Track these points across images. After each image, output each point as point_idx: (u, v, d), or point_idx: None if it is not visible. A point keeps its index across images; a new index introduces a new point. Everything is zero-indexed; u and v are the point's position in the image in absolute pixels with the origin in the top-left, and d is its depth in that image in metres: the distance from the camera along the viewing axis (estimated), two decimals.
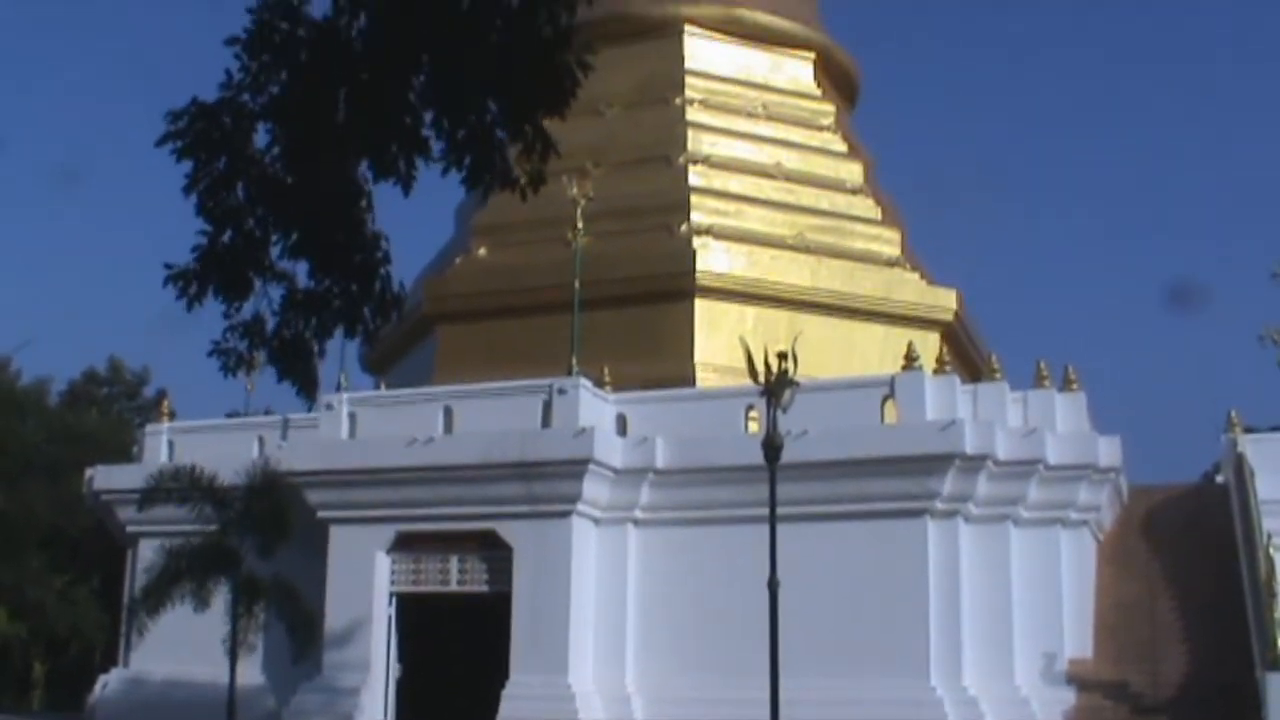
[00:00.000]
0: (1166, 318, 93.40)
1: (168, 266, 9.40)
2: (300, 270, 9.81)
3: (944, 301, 39.45)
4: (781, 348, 24.25)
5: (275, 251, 9.64)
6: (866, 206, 41.06)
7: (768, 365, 23.68)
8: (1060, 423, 30.92)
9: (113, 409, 62.06)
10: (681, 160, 39.91)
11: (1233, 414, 34.01)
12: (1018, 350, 72.84)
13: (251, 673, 30.54)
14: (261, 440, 34.43)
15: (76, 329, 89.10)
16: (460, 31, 8.90)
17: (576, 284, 33.32)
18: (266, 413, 37.73)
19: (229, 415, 39.54)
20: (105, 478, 36.39)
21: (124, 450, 42.47)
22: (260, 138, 9.47)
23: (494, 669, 29.88)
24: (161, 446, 36.19)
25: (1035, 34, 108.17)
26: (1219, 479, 35.64)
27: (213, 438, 35.28)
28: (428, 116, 9.38)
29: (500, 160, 9.58)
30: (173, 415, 37.27)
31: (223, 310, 9.69)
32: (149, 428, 37.83)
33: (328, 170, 9.47)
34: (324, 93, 9.19)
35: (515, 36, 8.97)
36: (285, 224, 9.53)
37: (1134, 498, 34.24)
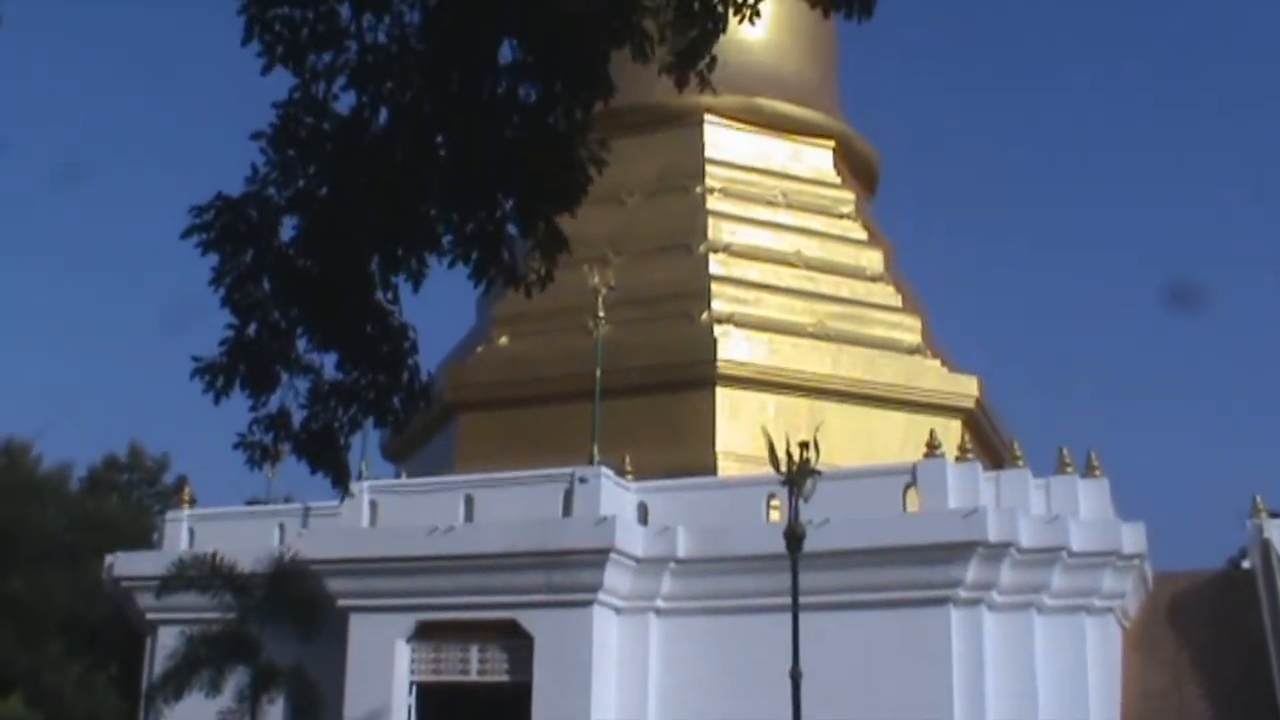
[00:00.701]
0: (1190, 402, 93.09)
1: (195, 359, 9.45)
2: (327, 362, 9.85)
3: (965, 388, 39.40)
4: (803, 436, 24.27)
5: (301, 344, 9.69)
6: (887, 294, 41.14)
7: (789, 454, 23.66)
8: (1083, 509, 30.79)
9: (133, 495, 62.05)
10: (702, 248, 40.07)
11: (1258, 499, 33.86)
12: (1040, 436, 72.59)
13: None
14: (282, 528, 34.45)
15: (98, 414, 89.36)
16: (477, 126, 8.99)
17: (598, 372, 33.38)
18: (287, 500, 37.76)
19: (250, 502, 39.56)
20: (125, 564, 36.41)
21: (144, 537, 42.46)
22: (286, 231, 9.55)
23: None
24: (182, 533, 36.20)
25: (1055, 117, 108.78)
26: (1245, 565, 35.37)
27: (233, 525, 35.31)
28: (443, 209, 9.46)
29: (508, 256, 9.63)
30: (193, 502, 37.33)
31: (248, 403, 9.71)
32: (169, 514, 37.87)
33: (353, 263, 9.53)
34: (348, 186, 9.27)
35: (530, 131, 9.04)
36: (311, 317, 9.57)
37: (1159, 584, 34.02)
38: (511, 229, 9.54)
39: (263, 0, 9.13)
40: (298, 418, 9.81)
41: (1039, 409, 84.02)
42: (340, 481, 9.95)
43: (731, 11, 10.29)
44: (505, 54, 9.31)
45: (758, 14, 10.33)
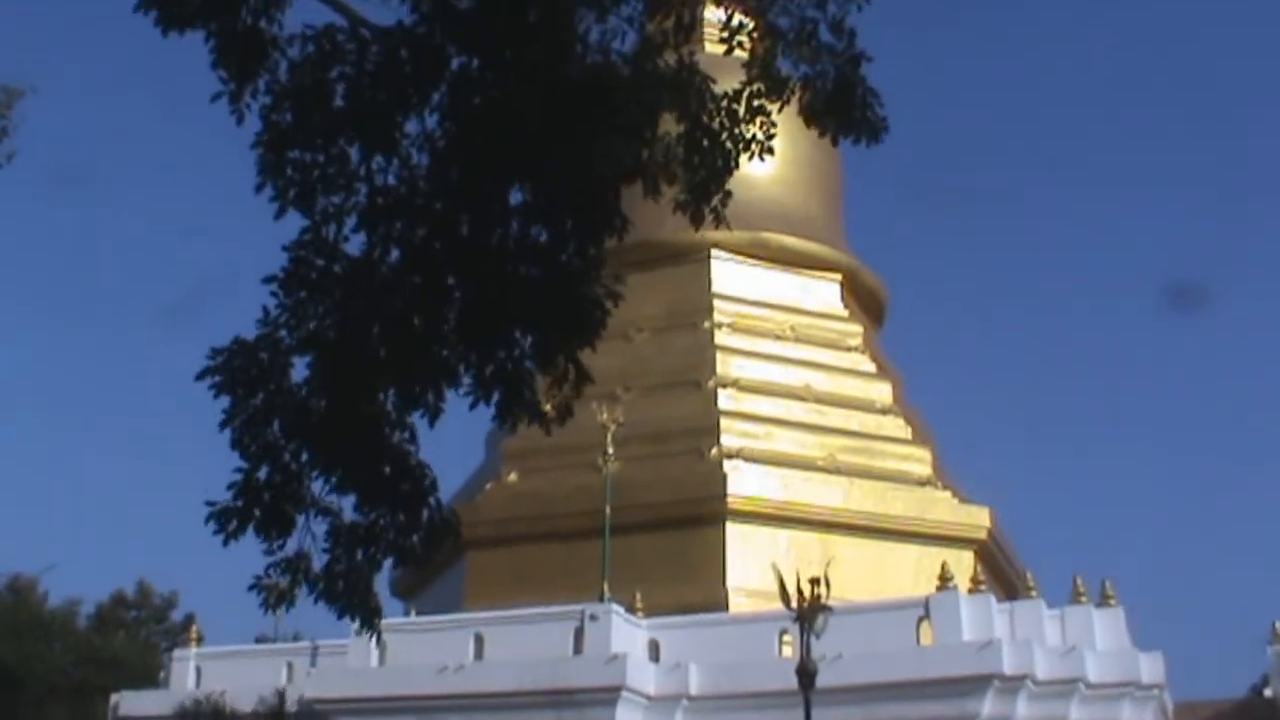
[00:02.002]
0: (1208, 528, 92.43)
1: (209, 504, 9.41)
2: (345, 502, 9.82)
3: (977, 519, 39.25)
4: (815, 570, 24.21)
5: (318, 485, 9.66)
6: (897, 426, 41.15)
7: (800, 590, 23.52)
8: (1100, 639, 30.53)
9: (141, 632, 61.63)
10: (711, 384, 40.17)
11: (1277, 625, 33.53)
12: (1053, 566, 72.09)
13: None
14: (290, 666, 34.17)
15: (107, 550, 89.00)
16: (490, 266, 9.05)
17: (607, 509, 33.32)
18: (295, 638, 37.51)
19: (258, 639, 39.26)
20: (131, 703, 36.11)
21: (151, 675, 42.13)
22: (298, 371, 9.57)
23: None
24: (189, 672, 35.91)
25: (1057, 235, 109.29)
26: (1267, 692, 35.00)
27: (240, 663, 35.04)
28: (457, 348, 9.49)
29: (529, 394, 9.64)
30: (201, 639, 37.12)
31: (263, 547, 9.66)
32: (176, 653, 37.63)
33: (367, 403, 9.54)
34: (360, 327, 9.31)
35: (544, 271, 9.10)
36: (325, 459, 9.57)
37: (1179, 714, 33.61)
38: (529, 365, 9.57)
39: (276, 143, 9.25)
40: (317, 560, 9.76)
41: (1052, 537, 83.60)
42: (369, 623, 9.89)
43: (742, 148, 10.40)
44: (515, 193, 9.42)
45: (770, 150, 10.44)
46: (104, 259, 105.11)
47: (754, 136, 10.41)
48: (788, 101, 10.29)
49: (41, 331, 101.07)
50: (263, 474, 9.46)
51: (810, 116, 10.22)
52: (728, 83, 10.31)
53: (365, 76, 8.87)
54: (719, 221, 10.66)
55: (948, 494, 39.95)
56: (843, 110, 10.17)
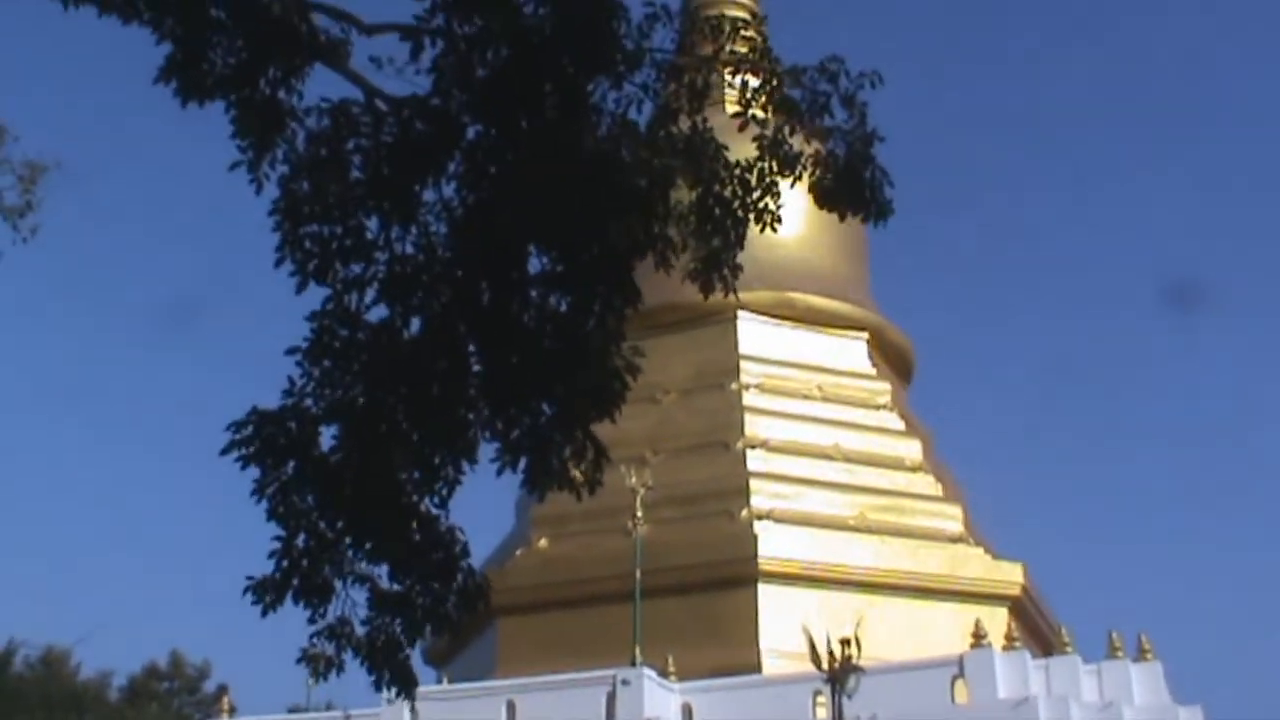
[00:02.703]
0: (1246, 580, 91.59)
1: (249, 579, 9.44)
2: (381, 569, 9.83)
3: (1010, 575, 39.04)
4: (848, 630, 24.03)
5: (352, 553, 9.69)
6: (927, 484, 41.05)
7: (830, 651, 23.42)
8: (1138, 694, 30.29)
9: (173, 704, 61.56)
10: (740, 445, 40.14)
11: None
12: (1089, 620, 71.60)
13: None
14: None
15: (139, 620, 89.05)
16: (510, 336, 9.09)
17: (638, 573, 33.25)
18: (328, 707, 37.39)
19: (291, 709, 39.14)
20: None
21: None
22: (325, 440, 9.60)
23: None
24: None
25: (1082, 288, 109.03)
26: None
27: None
28: (481, 415, 9.51)
29: (557, 461, 9.64)
30: (233, 711, 37.10)
31: (306, 615, 9.68)
32: None
33: (393, 472, 9.57)
34: (383, 397, 9.35)
35: (564, 341, 9.13)
36: (358, 528, 9.59)
37: None
38: (555, 435, 9.57)
39: (295, 217, 9.33)
40: (361, 630, 9.78)
41: (1087, 591, 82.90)
42: (407, 691, 9.89)
43: (753, 219, 10.45)
44: (535, 262, 9.46)
45: (779, 220, 10.48)
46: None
47: (765, 207, 10.47)
48: (799, 178, 10.36)
49: (82, 411, 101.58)
50: (300, 542, 9.50)
51: (819, 195, 10.31)
52: (741, 149, 10.37)
53: (382, 147, 8.97)
54: (728, 290, 10.69)
55: (980, 550, 39.77)
56: (852, 191, 10.25)
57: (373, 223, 9.22)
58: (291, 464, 9.45)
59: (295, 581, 9.27)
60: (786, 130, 10.39)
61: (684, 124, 10.22)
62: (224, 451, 9.39)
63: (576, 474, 9.77)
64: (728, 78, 10.73)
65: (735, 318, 43.38)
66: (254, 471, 9.43)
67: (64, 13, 9.77)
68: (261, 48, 9.61)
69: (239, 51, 9.65)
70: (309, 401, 9.43)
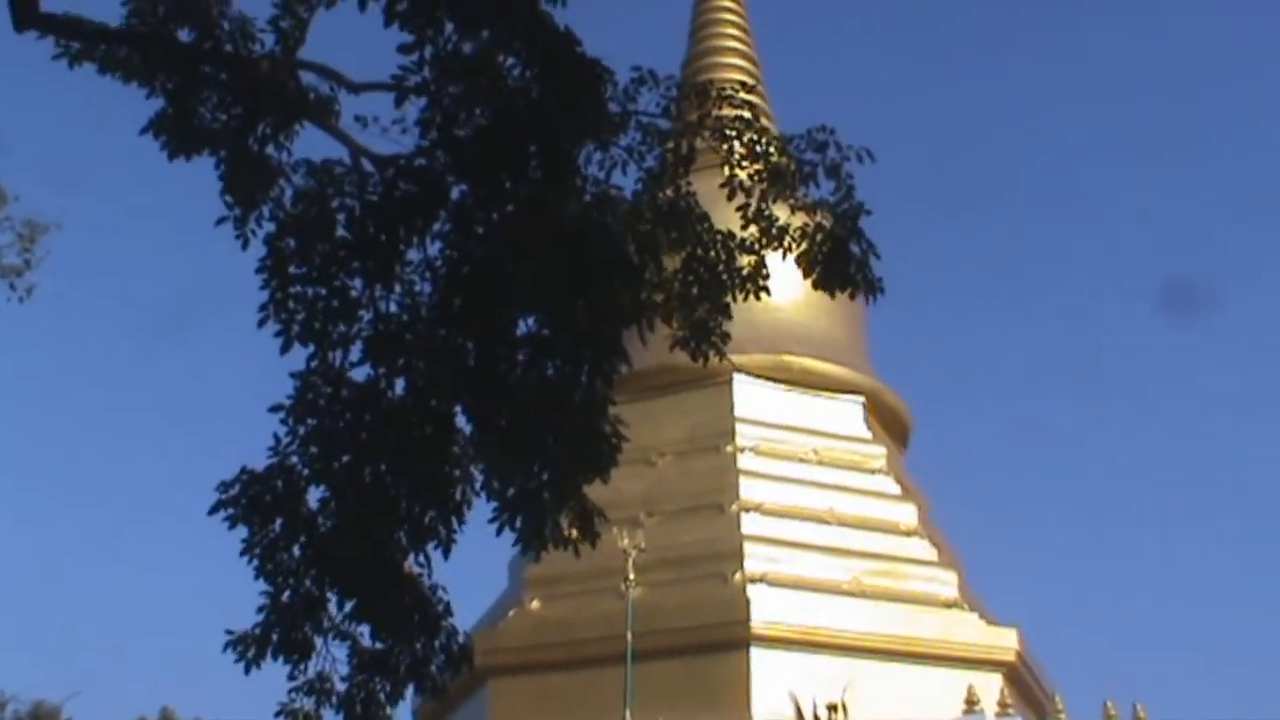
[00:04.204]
0: (1244, 649, 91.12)
1: (229, 633, 9.42)
2: (363, 628, 9.81)
3: (1005, 641, 38.84)
4: (842, 695, 23.89)
5: (336, 609, 9.66)
6: (922, 548, 40.92)
7: (817, 717, 23.29)
8: None
9: None
10: (734, 508, 40.03)
11: None
12: (1084, 688, 70.92)
13: None
14: None
15: (130, 676, 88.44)
16: (498, 399, 9.09)
17: (629, 636, 33.06)
18: None
19: None
20: None
21: None
22: (313, 497, 9.59)
23: None
24: None
25: (1080, 355, 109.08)
26: None
27: None
28: (475, 477, 9.50)
29: (550, 521, 9.63)
30: None
31: (287, 671, 9.65)
32: None
33: (380, 533, 9.55)
34: (369, 458, 9.35)
35: (553, 406, 9.12)
36: (342, 586, 9.58)
37: None
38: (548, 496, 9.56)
39: (281, 277, 9.36)
40: (340, 686, 9.74)
41: (1082, 658, 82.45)
42: None
43: (738, 287, 10.46)
44: (522, 324, 9.46)
45: (766, 290, 10.49)
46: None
47: (751, 274, 10.48)
48: (787, 249, 10.37)
49: (67, 460, 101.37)
50: (286, 599, 9.49)
51: (806, 270, 10.31)
52: (728, 215, 10.38)
53: (367, 206, 9.01)
54: (720, 356, 10.70)
55: (975, 616, 39.60)
56: (839, 268, 10.25)
57: (357, 282, 9.25)
58: (279, 522, 9.46)
59: (276, 637, 9.25)
60: (772, 199, 10.40)
61: (669, 190, 10.25)
62: (212, 511, 9.42)
63: (571, 533, 9.77)
64: (715, 144, 10.75)
65: (730, 381, 43.31)
66: (243, 530, 9.46)
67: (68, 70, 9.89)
68: (251, 104, 9.67)
69: (229, 107, 9.72)
70: (295, 460, 9.44)
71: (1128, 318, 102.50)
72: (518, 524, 9.46)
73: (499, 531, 9.51)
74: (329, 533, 9.48)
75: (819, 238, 10.19)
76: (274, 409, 9.44)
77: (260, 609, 9.44)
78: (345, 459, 9.42)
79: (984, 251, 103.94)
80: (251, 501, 9.41)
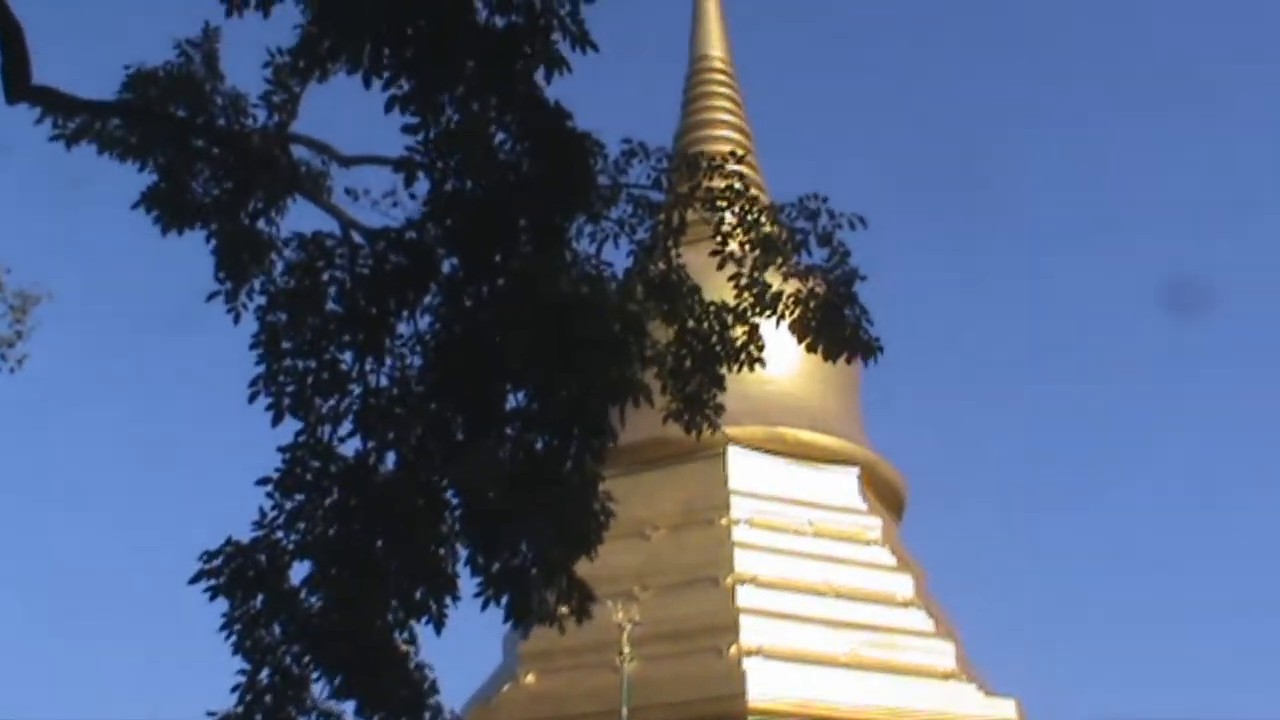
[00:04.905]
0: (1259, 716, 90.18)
1: (210, 714, 9.31)
2: (346, 705, 9.69)
3: (1004, 712, 38.72)
4: None
5: (319, 688, 9.55)
6: (920, 619, 40.75)
7: None
8: None
9: None
10: (729, 581, 39.86)
11: None
12: None
13: None
14: None
15: None
16: (486, 474, 9.03)
17: (624, 710, 32.84)
18: None
19: None
20: None
21: None
22: (297, 573, 9.50)
23: None
24: None
25: (1073, 425, 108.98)
26: None
27: None
28: (461, 553, 9.42)
29: (538, 597, 9.55)
30: None
31: None
32: None
33: (366, 608, 9.46)
34: (356, 532, 9.27)
35: (541, 481, 9.07)
36: (326, 663, 9.46)
37: None
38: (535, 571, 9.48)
39: (274, 352, 9.32)
40: None
41: None
42: None
43: (731, 359, 10.42)
44: (511, 398, 9.42)
45: (760, 361, 10.44)
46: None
47: (744, 346, 10.44)
48: (781, 316, 10.33)
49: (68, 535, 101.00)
50: (264, 677, 9.36)
51: (801, 335, 10.27)
52: (720, 287, 10.35)
53: (357, 279, 8.99)
54: (714, 429, 10.64)
55: (973, 686, 39.43)
56: (833, 332, 10.21)
57: (347, 355, 9.21)
58: (259, 598, 9.35)
59: (258, 718, 9.13)
60: (765, 268, 10.38)
61: (660, 263, 10.23)
62: (193, 580, 9.30)
63: (562, 609, 9.69)
64: (707, 215, 10.74)
65: (724, 453, 43.23)
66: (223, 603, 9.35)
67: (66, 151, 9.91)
68: (243, 178, 9.68)
69: (221, 181, 9.73)
70: (280, 534, 9.36)
71: (1127, 386, 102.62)
72: (503, 600, 9.37)
73: (484, 607, 9.42)
74: (315, 609, 9.37)
75: (813, 304, 10.16)
76: (261, 482, 9.36)
77: (235, 688, 9.32)
78: (332, 532, 9.33)
79: (980, 315, 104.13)
80: (234, 575, 9.30)
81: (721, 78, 51.72)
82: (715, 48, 52.01)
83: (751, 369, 10.44)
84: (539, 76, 8.46)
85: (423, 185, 8.90)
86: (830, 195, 10.26)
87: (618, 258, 9.86)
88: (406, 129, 8.69)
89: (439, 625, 9.49)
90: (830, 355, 10.31)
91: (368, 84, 8.16)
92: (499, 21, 8.34)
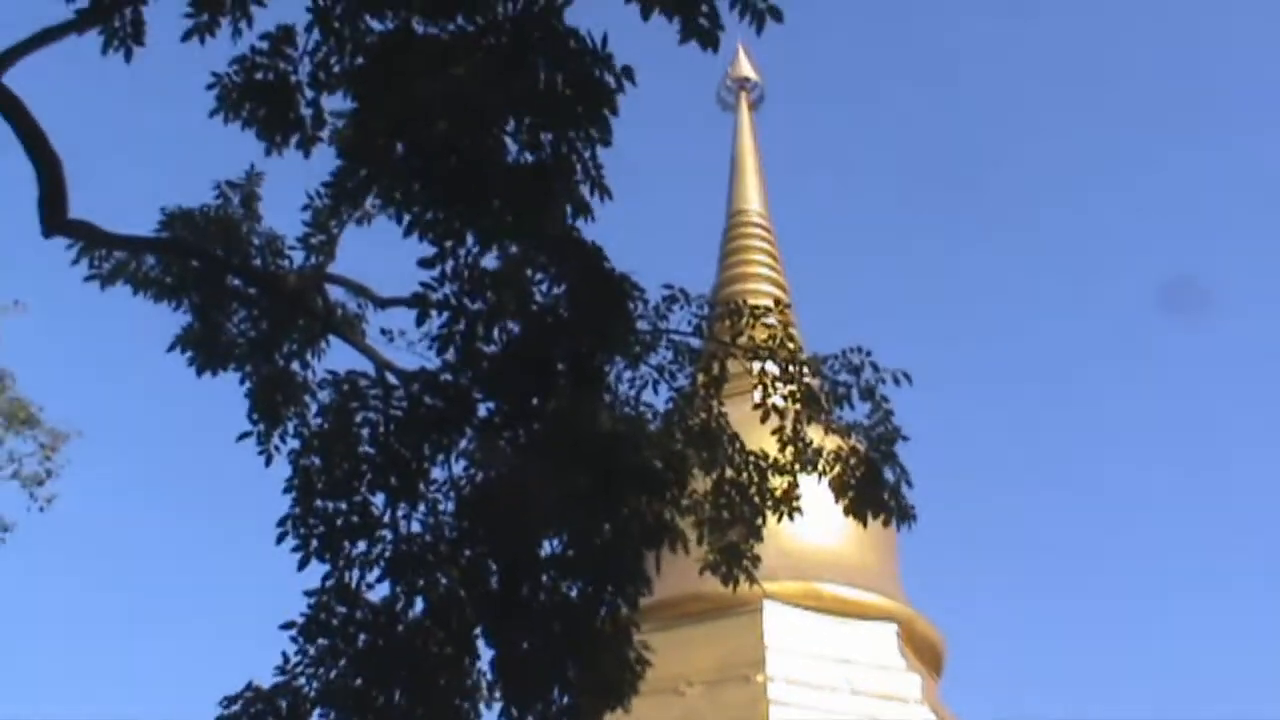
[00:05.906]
0: None
1: None
2: None
3: None
4: None
5: None
6: None
7: None
8: None
9: None
10: None
11: None
12: None
13: None
14: None
15: None
16: (520, 622, 8.81)
17: None
18: None
19: None
20: None
21: None
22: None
23: None
24: None
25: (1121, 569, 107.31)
26: None
27: None
28: (478, 703, 9.21)
29: None
30: None
31: None
32: None
33: None
34: (383, 680, 9.07)
35: (575, 630, 8.85)
36: None
37: None
38: None
39: (308, 495, 9.18)
40: None
41: None
42: None
43: (770, 509, 10.24)
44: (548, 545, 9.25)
45: (799, 510, 10.28)
46: None
47: (783, 496, 10.28)
48: (822, 473, 10.19)
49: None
50: None
51: (838, 495, 10.12)
52: (760, 437, 10.20)
53: (391, 422, 8.85)
54: (752, 581, 10.43)
55: None
56: (872, 494, 10.06)
57: (379, 498, 9.05)
58: None
59: None
60: (806, 421, 10.25)
61: (700, 412, 10.10)
62: None
63: None
64: (748, 365, 10.63)
65: (761, 608, 42.67)
66: None
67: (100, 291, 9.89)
68: (278, 320, 9.62)
69: (256, 322, 9.67)
70: (302, 680, 9.17)
71: (1167, 522, 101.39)
72: None
73: None
74: None
75: (853, 462, 10.02)
76: (285, 626, 9.19)
77: None
78: (356, 683, 9.13)
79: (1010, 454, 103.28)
80: None
81: (760, 231, 52.02)
82: (753, 201, 52.39)
83: (791, 519, 10.26)
84: (574, 217, 8.38)
85: (450, 326, 8.77)
86: (873, 349, 10.18)
87: (657, 403, 9.76)
88: (422, 262, 8.61)
89: None
90: (865, 518, 10.15)
91: (399, 219, 8.10)
92: (528, 158, 8.27)
